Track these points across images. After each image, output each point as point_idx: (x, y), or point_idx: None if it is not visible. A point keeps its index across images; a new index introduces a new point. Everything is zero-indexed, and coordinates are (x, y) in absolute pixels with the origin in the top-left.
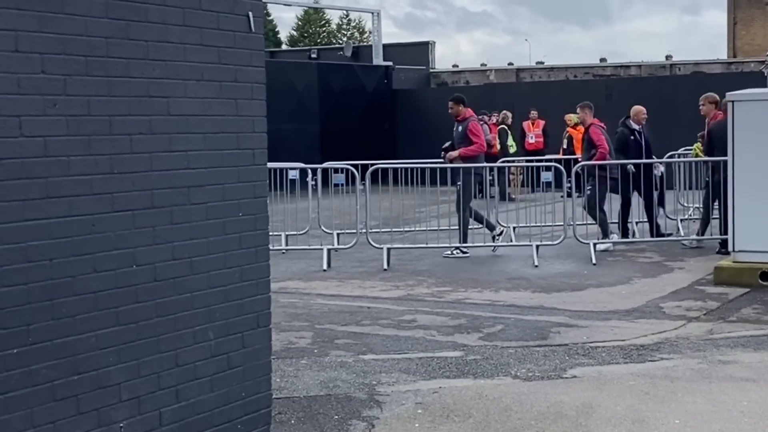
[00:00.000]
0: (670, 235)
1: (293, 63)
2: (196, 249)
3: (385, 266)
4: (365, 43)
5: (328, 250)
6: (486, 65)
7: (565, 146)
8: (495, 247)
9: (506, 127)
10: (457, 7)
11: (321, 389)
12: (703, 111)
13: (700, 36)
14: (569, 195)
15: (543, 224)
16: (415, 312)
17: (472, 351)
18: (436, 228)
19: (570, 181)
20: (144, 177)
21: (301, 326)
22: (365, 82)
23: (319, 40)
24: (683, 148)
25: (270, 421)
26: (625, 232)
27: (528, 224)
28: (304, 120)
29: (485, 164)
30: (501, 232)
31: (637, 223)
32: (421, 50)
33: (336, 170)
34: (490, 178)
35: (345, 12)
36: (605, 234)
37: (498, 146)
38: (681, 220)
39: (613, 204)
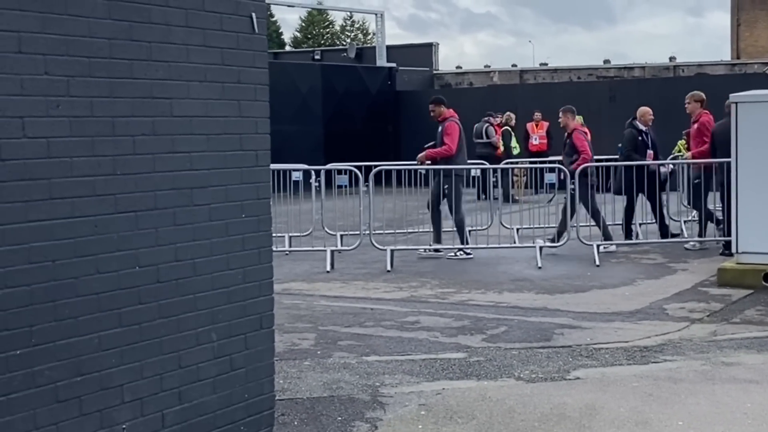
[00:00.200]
0: (677, 235)
1: (297, 64)
2: (198, 250)
3: (389, 268)
4: (369, 45)
5: (332, 252)
6: (489, 67)
7: None
8: (452, 257)
9: (510, 129)
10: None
11: (324, 391)
12: (688, 109)
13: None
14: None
15: (546, 226)
16: (419, 313)
17: (475, 352)
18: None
19: (573, 183)
20: (147, 178)
21: (305, 328)
22: (369, 84)
23: (322, 42)
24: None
25: (273, 423)
26: (628, 233)
27: (531, 226)
28: (308, 121)
29: (465, 166)
30: (466, 253)
31: (640, 224)
32: (424, 52)
33: (339, 172)
34: (494, 179)
35: (348, 13)
36: (606, 232)
37: (502, 148)
38: (684, 222)
39: (616, 205)
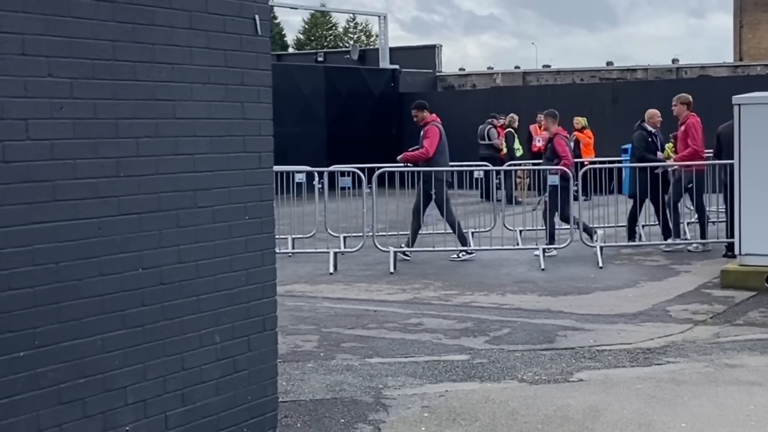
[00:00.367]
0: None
1: (300, 66)
2: (202, 252)
3: (392, 269)
4: (372, 47)
5: (335, 254)
6: (492, 69)
7: (571, 149)
8: (454, 258)
9: (513, 131)
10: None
11: (327, 392)
12: (675, 112)
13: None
14: (576, 198)
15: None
16: (422, 315)
17: (478, 354)
18: (443, 231)
19: (577, 185)
20: (150, 180)
21: (308, 329)
22: (372, 86)
23: (325, 44)
24: None
25: (276, 425)
26: (632, 234)
27: (534, 228)
28: (311, 123)
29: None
30: (468, 253)
31: (643, 226)
32: (427, 53)
33: (342, 173)
34: (497, 181)
35: (352, 15)
36: (551, 239)
37: (505, 149)
38: (688, 224)
39: (619, 207)
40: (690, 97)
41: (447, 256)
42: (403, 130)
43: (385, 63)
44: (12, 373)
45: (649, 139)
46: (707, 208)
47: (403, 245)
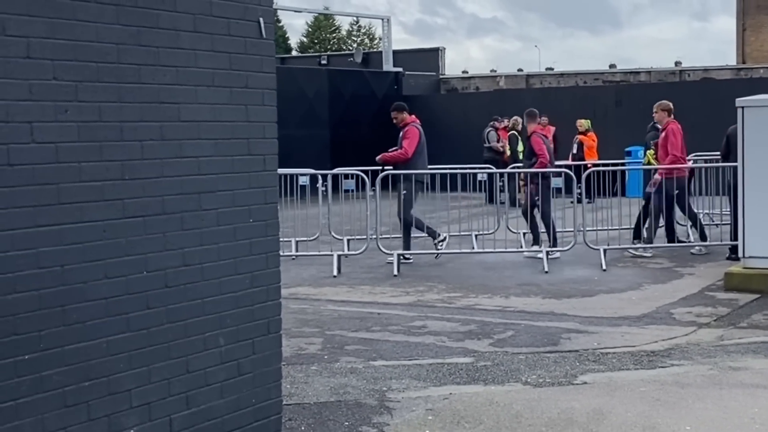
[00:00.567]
0: (684, 241)
1: (303, 69)
2: (206, 255)
3: (395, 272)
4: (375, 50)
5: (338, 256)
6: (496, 71)
7: (575, 152)
8: (438, 254)
9: (516, 133)
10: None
11: (331, 395)
12: (656, 119)
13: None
14: (579, 201)
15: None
16: (426, 318)
17: (482, 357)
18: (447, 234)
19: (580, 187)
20: (155, 183)
21: (311, 332)
22: (375, 88)
23: (329, 47)
24: (693, 154)
25: (280, 428)
26: (637, 235)
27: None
28: (315, 126)
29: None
30: (443, 239)
31: (646, 228)
32: (431, 56)
33: (346, 176)
34: (500, 184)
35: (355, 18)
36: (536, 241)
37: (508, 152)
38: (691, 226)
39: (623, 209)
40: (671, 104)
41: (449, 259)
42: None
43: (388, 66)
44: (17, 376)
45: None
46: (707, 211)
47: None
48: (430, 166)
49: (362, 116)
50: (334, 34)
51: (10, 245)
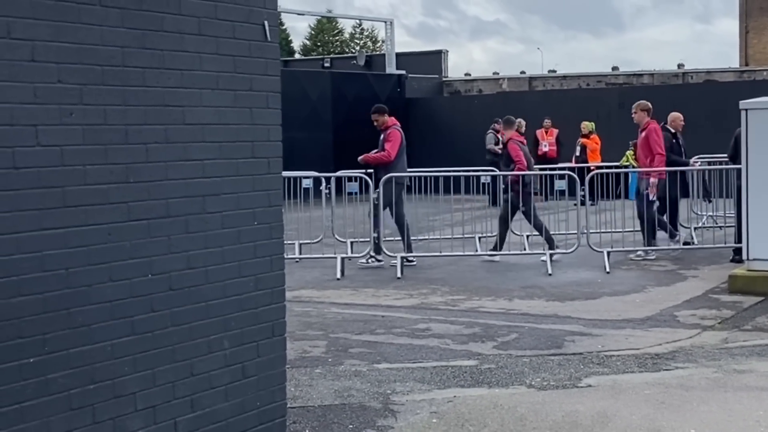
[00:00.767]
0: (688, 243)
1: (306, 72)
2: (211, 258)
3: (399, 275)
4: (378, 52)
5: (342, 259)
6: (498, 74)
7: (578, 154)
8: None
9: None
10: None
11: (335, 398)
12: (635, 119)
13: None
14: (582, 203)
15: (556, 232)
16: (429, 321)
17: (486, 360)
18: (450, 236)
19: (584, 189)
20: (159, 186)
21: (315, 335)
22: (378, 91)
23: (332, 49)
24: (696, 157)
25: (285, 431)
26: (672, 234)
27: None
28: (318, 128)
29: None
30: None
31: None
32: (434, 59)
33: (350, 179)
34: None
35: (358, 21)
36: (500, 246)
37: None
38: (694, 228)
39: (626, 211)
40: (650, 104)
41: (452, 261)
42: (409, 136)
43: (391, 68)
44: (22, 379)
45: (673, 141)
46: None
47: (404, 251)
48: (431, 169)
49: (365, 119)
50: (337, 37)
51: (15, 248)
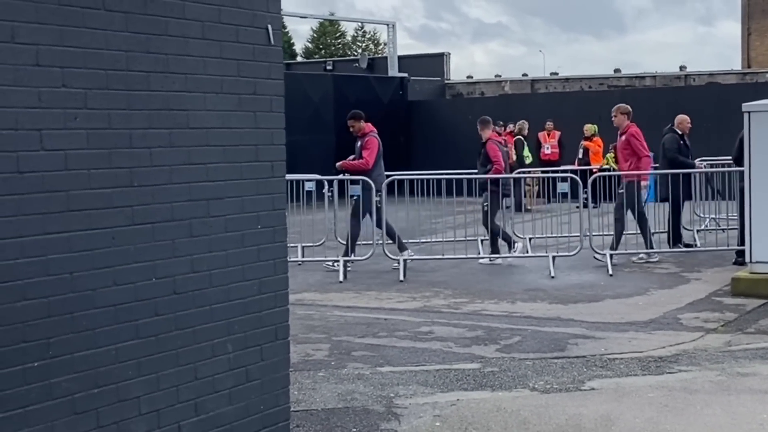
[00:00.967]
0: (690, 245)
1: (309, 75)
2: (215, 262)
3: (402, 278)
4: (380, 55)
5: (345, 262)
6: (500, 76)
7: (580, 156)
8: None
9: (522, 138)
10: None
11: (339, 402)
12: (615, 122)
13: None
14: (585, 206)
15: (559, 235)
16: (432, 324)
17: (489, 363)
18: (452, 239)
19: (586, 192)
20: (163, 190)
21: (318, 338)
22: (380, 94)
23: (334, 52)
24: (698, 159)
25: None
26: (677, 239)
27: (544, 235)
28: (320, 131)
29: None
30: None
31: (653, 233)
32: (436, 61)
33: (352, 182)
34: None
35: (360, 24)
36: (494, 248)
37: (514, 157)
38: (697, 231)
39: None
40: (629, 108)
41: (454, 264)
42: (411, 138)
43: (393, 71)
44: (26, 384)
45: (681, 142)
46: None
47: (406, 253)
48: (433, 171)
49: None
50: (339, 40)
51: (20, 252)
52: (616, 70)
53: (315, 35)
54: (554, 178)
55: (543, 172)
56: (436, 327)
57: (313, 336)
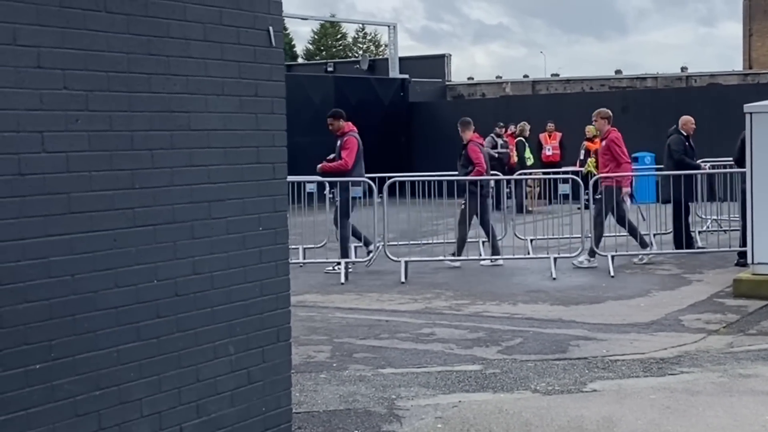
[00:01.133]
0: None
1: (310, 76)
2: (216, 263)
3: (403, 279)
4: (381, 56)
5: (346, 264)
6: (501, 78)
7: (582, 158)
8: (370, 261)
9: (524, 139)
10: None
11: (340, 403)
12: (596, 126)
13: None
14: (586, 207)
15: (560, 236)
16: (434, 325)
17: (491, 364)
18: (454, 240)
19: (587, 193)
20: (165, 192)
21: (320, 340)
22: (381, 95)
23: (335, 54)
24: (700, 160)
25: None
26: (689, 241)
27: (545, 236)
28: (321, 133)
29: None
30: (372, 249)
31: (654, 235)
32: (437, 63)
33: (353, 183)
34: (507, 190)
35: (361, 25)
36: (459, 252)
37: (515, 158)
38: (699, 232)
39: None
40: (610, 112)
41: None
42: (412, 140)
43: (394, 72)
44: (28, 386)
45: (686, 144)
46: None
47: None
48: (434, 173)
49: (368, 123)
50: (340, 42)
51: (21, 254)
52: (618, 72)
53: (316, 37)
54: (555, 180)
55: (544, 173)
56: (438, 328)
57: (314, 338)
